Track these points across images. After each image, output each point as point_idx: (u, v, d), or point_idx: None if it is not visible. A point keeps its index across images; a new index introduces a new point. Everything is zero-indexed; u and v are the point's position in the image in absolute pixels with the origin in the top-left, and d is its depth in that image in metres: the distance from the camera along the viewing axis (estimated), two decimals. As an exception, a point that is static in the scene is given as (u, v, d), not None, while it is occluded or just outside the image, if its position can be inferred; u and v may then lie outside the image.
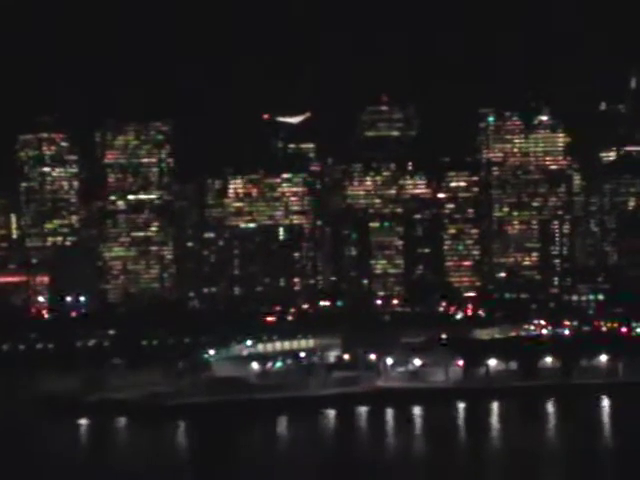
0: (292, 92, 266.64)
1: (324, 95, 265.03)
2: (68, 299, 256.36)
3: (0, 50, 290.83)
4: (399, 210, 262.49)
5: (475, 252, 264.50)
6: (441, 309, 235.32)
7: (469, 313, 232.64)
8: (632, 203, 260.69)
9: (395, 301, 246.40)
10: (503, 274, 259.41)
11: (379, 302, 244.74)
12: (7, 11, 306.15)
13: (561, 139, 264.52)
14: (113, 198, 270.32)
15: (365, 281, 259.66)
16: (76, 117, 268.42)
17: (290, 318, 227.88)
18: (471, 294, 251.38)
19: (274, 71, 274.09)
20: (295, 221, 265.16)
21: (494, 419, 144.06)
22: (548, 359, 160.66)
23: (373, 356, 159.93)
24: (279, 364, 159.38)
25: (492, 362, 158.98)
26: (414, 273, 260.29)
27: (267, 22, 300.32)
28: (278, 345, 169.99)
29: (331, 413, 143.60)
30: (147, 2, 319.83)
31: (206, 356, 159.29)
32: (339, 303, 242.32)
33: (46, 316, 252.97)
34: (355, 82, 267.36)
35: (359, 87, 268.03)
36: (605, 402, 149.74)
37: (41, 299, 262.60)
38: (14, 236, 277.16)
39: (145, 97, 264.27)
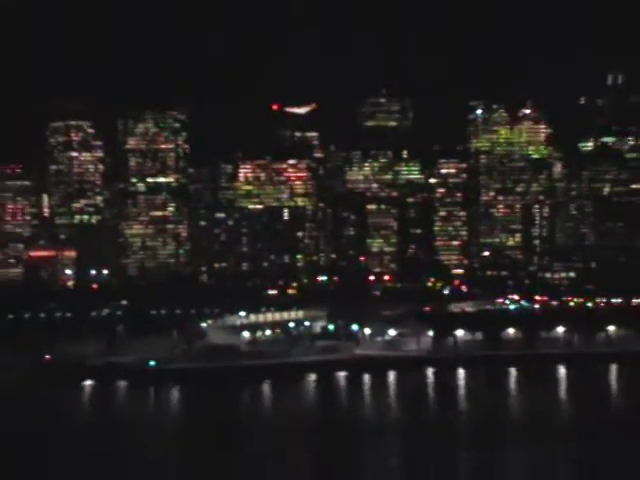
0: (299, 84, 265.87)
1: (327, 87, 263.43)
2: (92, 272, 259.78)
3: (30, 43, 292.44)
4: (394, 194, 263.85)
5: (463, 233, 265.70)
6: (429, 285, 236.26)
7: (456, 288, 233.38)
8: (607, 189, 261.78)
9: (386, 277, 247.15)
10: (488, 253, 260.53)
11: (372, 278, 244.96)
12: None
13: (543, 130, 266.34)
14: (134, 180, 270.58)
15: (362, 258, 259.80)
16: (100, 106, 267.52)
17: (291, 292, 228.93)
18: (459, 271, 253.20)
19: (282, 64, 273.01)
20: (299, 203, 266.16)
21: (459, 384, 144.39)
22: (511, 330, 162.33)
23: (355, 327, 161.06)
24: (268, 333, 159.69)
25: (460, 333, 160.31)
26: (407, 252, 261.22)
27: (271, 20, 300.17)
28: (269, 316, 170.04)
29: (313, 378, 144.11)
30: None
31: (202, 325, 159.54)
32: (335, 278, 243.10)
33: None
34: (356, 76, 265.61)
35: (359, 80, 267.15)
36: (562, 370, 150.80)
37: (68, 272, 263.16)
38: (45, 214, 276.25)
39: (162, 87, 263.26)
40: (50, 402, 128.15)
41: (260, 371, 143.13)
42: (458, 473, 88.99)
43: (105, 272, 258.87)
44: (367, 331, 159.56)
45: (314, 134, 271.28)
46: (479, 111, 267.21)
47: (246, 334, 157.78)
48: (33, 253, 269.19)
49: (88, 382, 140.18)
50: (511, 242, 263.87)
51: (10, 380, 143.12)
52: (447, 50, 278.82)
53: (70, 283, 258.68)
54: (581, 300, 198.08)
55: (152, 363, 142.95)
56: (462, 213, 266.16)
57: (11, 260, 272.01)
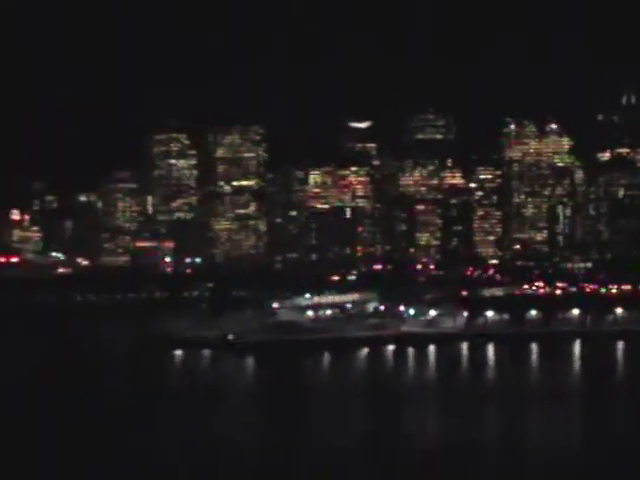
0: (360, 102, 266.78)
1: (384, 105, 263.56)
2: (187, 260, 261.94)
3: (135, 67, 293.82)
4: (439, 196, 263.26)
5: (497, 229, 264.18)
6: (468, 273, 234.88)
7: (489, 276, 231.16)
8: (621, 193, 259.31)
9: (431, 266, 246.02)
10: (518, 246, 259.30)
11: (419, 266, 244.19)
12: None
13: (566, 142, 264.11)
14: (221, 184, 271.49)
15: (411, 250, 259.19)
16: (195, 121, 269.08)
17: (351, 278, 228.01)
18: (493, 261, 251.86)
19: (347, 84, 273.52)
20: (359, 204, 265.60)
21: (488, 356, 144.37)
22: (533, 311, 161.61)
23: (402, 307, 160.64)
24: (328, 312, 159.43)
25: (489, 313, 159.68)
26: (449, 245, 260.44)
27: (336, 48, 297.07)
28: (330, 298, 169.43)
29: (365, 350, 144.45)
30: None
31: (274, 305, 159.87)
32: (388, 267, 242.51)
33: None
34: (408, 94, 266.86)
35: (411, 99, 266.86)
36: (576, 345, 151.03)
37: (167, 260, 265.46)
38: (149, 212, 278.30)
39: (245, 105, 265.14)
40: (150, 367, 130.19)
41: (321, 344, 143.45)
42: (487, 427, 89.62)
43: (197, 260, 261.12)
44: (411, 311, 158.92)
45: (372, 145, 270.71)
46: (512, 126, 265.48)
47: (310, 313, 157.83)
48: (138, 244, 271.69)
49: (178, 351, 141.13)
50: (538, 237, 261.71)
51: (119, 349, 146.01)
52: (486, 74, 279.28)
53: (168, 269, 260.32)
54: (595, 287, 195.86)
55: (231, 336, 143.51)
56: (497, 212, 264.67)
57: (120, 250, 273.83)
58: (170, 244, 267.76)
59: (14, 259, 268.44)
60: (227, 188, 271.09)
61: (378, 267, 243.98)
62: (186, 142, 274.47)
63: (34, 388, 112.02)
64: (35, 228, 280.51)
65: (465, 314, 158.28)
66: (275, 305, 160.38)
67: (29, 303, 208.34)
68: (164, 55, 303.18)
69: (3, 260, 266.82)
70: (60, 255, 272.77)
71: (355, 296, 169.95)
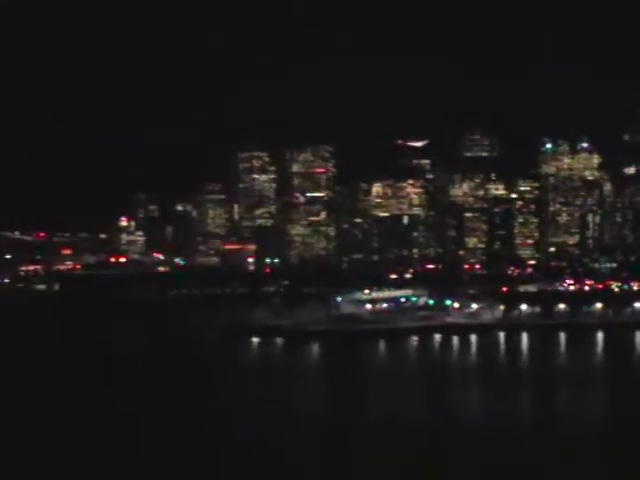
0: (417, 123, 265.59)
1: (438, 125, 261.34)
2: (267, 260, 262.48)
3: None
4: (484, 205, 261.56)
5: (535, 234, 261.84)
6: (509, 272, 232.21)
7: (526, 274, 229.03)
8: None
9: (477, 266, 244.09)
10: (553, 249, 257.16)
11: (466, 266, 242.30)
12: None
13: (596, 159, 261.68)
14: (296, 195, 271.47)
15: (460, 252, 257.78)
16: (273, 141, 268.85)
17: (407, 276, 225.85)
18: (531, 262, 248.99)
19: (406, 106, 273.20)
20: (415, 212, 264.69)
21: (523, 343, 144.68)
22: (561, 305, 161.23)
23: (448, 301, 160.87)
24: (384, 306, 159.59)
25: (523, 307, 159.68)
26: (493, 247, 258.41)
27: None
28: (386, 293, 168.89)
29: (415, 338, 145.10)
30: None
31: (338, 299, 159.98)
32: (440, 267, 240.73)
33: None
34: (458, 117, 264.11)
35: (460, 120, 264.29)
36: (599, 335, 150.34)
37: (250, 260, 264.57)
38: (235, 219, 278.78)
39: (316, 126, 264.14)
40: (231, 352, 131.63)
41: (377, 333, 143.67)
42: (523, 405, 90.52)
43: (275, 260, 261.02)
44: (456, 305, 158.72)
45: (427, 161, 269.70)
46: (548, 144, 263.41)
47: (368, 306, 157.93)
48: (226, 246, 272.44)
49: (255, 339, 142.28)
50: (571, 241, 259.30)
51: (208, 336, 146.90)
52: (525, 97, 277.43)
53: (251, 268, 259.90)
54: (619, 284, 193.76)
55: (300, 325, 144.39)
56: (534, 219, 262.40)
57: (211, 251, 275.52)
58: (253, 247, 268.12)
59: (122, 259, 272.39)
60: (301, 199, 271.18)
61: (430, 267, 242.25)
62: (266, 159, 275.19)
63: (142, 364, 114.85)
64: (140, 233, 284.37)
65: (502, 307, 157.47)
66: (339, 299, 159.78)
67: (134, 296, 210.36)
68: (240, 81, 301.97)
69: (113, 259, 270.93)
70: (160, 256, 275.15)
71: (408, 292, 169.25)
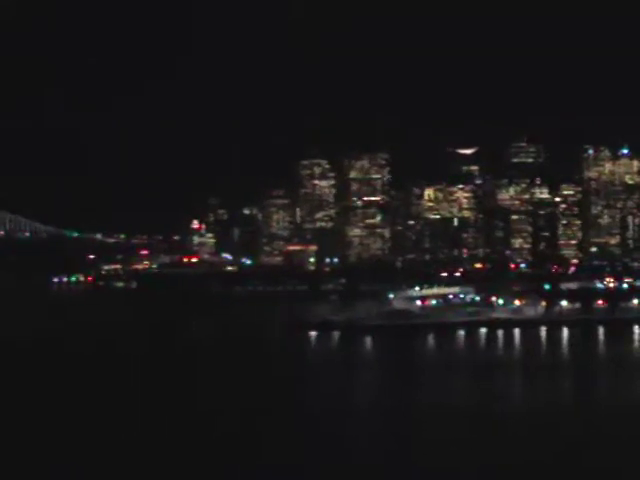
0: (467, 132, 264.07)
1: (486, 134, 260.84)
2: (327, 260, 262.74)
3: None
4: (530, 208, 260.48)
5: (578, 235, 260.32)
6: (553, 270, 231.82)
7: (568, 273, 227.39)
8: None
9: (523, 265, 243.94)
10: (595, 249, 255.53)
11: (513, 265, 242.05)
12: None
13: (635, 164, 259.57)
14: (354, 199, 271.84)
15: (507, 252, 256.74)
16: (332, 149, 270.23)
17: (457, 274, 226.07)
18: (574, 261, 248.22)
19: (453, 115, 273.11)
20: (464, 214, 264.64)
21: (563, 337, 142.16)
22: (599, 301, 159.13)
23: (493, 298, 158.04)
24: (434, 302, 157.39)
25: (564, 303, 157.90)
26: (538, 248, 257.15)
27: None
28: (435, 290, 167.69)
29: (462, 333, 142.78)
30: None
31: (390, 296, 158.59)
32: (488, 266, 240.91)
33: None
34: (505, 126, 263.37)
35: (508, 129, 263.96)
36: (635, 329, 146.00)
37: (311, 260, 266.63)
38: (298, 221, 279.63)
39: (372, 135, 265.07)
40: (291, 345, 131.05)
41: (426, 327, 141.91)
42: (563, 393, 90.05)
43: (334, 260, 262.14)
44: (500, 301, 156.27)
45: (476, 167, 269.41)
46: (590, 151, 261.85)
47: (418, 302, 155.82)
48: (289, 247, 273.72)
49: (313, 333, 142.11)
50: (612, 241, 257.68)
51: (271, 329, 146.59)
52: (569, 106, 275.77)
53: (312, 267, 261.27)
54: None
55: (355, 320, 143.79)
56: (577, 221, 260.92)
57: (275, 251, 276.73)
58: (313, 247, 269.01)
59: (194, 259, 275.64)
60: (359, 203, 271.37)
61: (479, 266, 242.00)
62: (326, 166, 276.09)
63: (211, 355, 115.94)
64: (210, 235, 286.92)
65: (544, 303, 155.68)
66: (391, 296, 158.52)
67: (205, 292, 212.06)
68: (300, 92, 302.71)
69: (186, 259, 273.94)
70: (229, 256, 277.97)
71: (456, 289, 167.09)
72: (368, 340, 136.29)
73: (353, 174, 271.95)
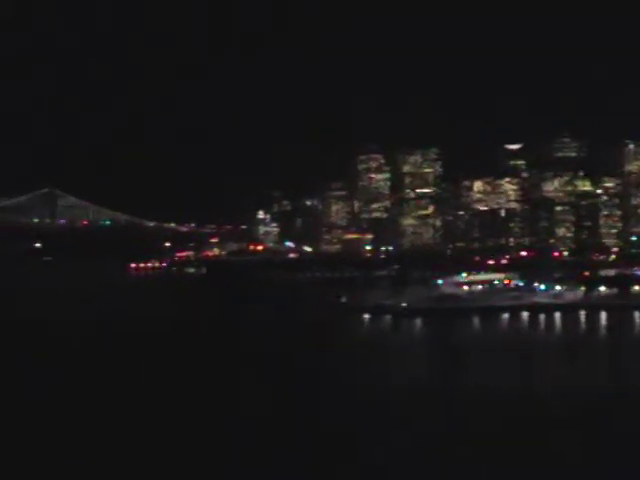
0: (515, 129, 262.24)
1: (532, 130, 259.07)
2: (382, 248, 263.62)
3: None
4: (573, 199, 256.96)
5: (619, 224, 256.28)
6: (594, 258, 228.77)
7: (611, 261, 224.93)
8: None
9: (565, 253, 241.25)
10: (634, 238, 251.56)
11: (556, 254, 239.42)
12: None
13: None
14: (407, 191, 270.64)
15: (551, 241, 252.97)
16: (389, 145, 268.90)
17: (504, 262, 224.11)
18: (615, 249, 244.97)
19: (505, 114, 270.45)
20: (511, 206, 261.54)
21: (601, 320, 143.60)
22: (637, 287, 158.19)
23: (536, 284, 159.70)
24: (479, 287, 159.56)
25: (602, 288, 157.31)
26: (581, 237, 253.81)
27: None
28: (481, 276, 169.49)
29: (506, 316, 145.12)
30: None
31: (439, 281, 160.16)
32: (533, 254, 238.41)
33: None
34: (551, 122, 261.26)
35: (553, 125, 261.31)
36: None
37: (367, 247, 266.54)
38: (355, 212, 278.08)
39: (425, 130, 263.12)
40: (347, 326, 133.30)
41: (473, 311, 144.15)
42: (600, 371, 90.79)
43: (389, 248, 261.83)
44: (542, 287, 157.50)
45: (522, 162, 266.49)
46: (630, 145, 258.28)
47: (465, 287, 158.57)
48: (347, 236, 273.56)
49: (366, 316, 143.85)
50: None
51: (330, 313, 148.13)
52: (610, 102, 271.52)
53: (368, 255, 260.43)
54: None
55: (405, 304, 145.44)
56: (618, 212, 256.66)
57: (334, 240, 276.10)
58: (370, 236, 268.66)
59: (259, 247, 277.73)
60: (412, 195, 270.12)
61: (524, 254, 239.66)
62: (382, 161, 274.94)
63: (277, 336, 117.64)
64: (274, 224, 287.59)
65: (583, 289, 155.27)
66: (440, 281, 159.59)
67: (269, 278, 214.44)
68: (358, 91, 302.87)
69: (252, 247, 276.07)
70: (291, 244, 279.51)
71: (501, 275, 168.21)
72: (418, 322, 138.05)
73: (406, 168, 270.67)
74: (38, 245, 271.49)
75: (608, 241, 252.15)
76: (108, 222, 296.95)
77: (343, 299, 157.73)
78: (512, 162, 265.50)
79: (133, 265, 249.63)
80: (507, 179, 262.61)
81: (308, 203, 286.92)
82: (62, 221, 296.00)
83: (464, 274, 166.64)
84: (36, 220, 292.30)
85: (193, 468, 51.89)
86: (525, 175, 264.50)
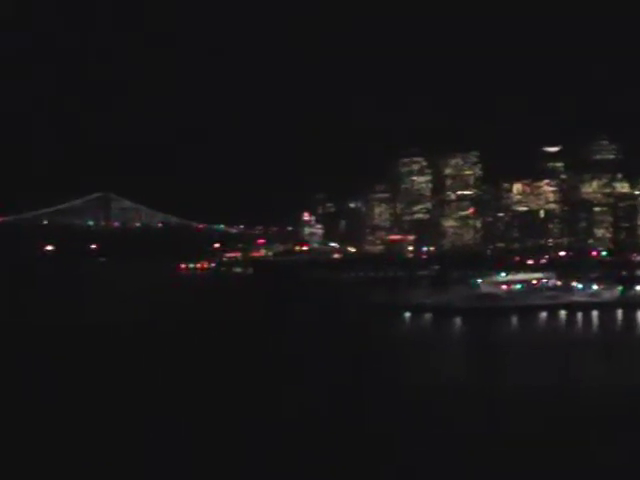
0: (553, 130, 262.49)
1: (569, 134, 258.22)
2: (424, 249, 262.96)
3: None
4: (611, 200, 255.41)
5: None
6: (632, 258, 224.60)
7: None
8: None
9: (604, 253, 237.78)
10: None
11: (594, 253, 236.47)
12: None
13: None
14: (448, 193, 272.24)
15: (590, 241, 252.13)
16: (430, 148, 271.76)
17: (543, 262, 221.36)
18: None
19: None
20: (550, 207, 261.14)
21: (638, 318, 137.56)
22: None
23: (573, 283, 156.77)
24: (518, 286, 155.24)
25: (638, 287, 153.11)
26: (619, 236, 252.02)
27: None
28: (520, 276, 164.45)
29: (544, 314, 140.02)
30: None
31: (478, 280, 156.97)
32: (571, 254, 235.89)
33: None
34: (588, 127, 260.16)
35: (590, 129, 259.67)
36: None
37: (409, 248, 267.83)
38: (398, 213, 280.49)
39: (463, 134, 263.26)
40: (388, 324, 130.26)
41: (511, 309, 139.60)
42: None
43: (431, 249, 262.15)
44: (579, 286, 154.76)
45: (560, 164, 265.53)
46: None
47: (504, 287, 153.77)
48: (390, 237, 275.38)
49: (407, 314, 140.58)
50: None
51: (371, 311, 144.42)
52: None
53: (410, 255, 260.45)
54: None
55: (446, 303, 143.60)
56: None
57: (377, 241, 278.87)
58: (412, 237, 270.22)
59: (305, 247, 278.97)
60: (453, 197, 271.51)
61: (563, 254, 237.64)
62: (423, 164, 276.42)
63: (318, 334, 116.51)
64: (319, 226, 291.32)
65: (620, 288, 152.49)
66: (479, 281, 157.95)
67: (314, 277, 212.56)
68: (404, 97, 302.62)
69: (298, 248, 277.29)
70: (336, 245, 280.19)
71: (539, 274, 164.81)
72: (457, 321, 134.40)
73: (447, 171, 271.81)
74: (93, 246, 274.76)
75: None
76: (160, 225, 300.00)
77: (385, 298, 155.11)
78: (551, 164, 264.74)
79: (183, 265, 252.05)
80: (546, 181, 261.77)
81: (352, 205, 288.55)
82: (116, 223, 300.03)
83: (503, 274, 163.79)
84: (91, 223, 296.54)
85: (237, 464, 51.96)
86: (564, 177, 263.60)
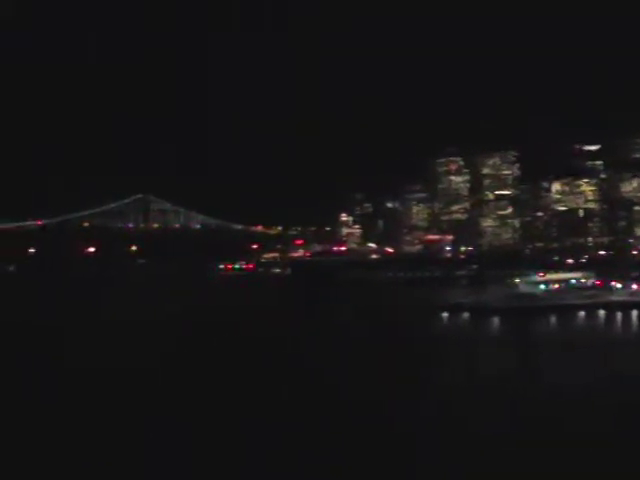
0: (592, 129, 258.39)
1: (610, 132, 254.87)
2: (462, 248, 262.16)
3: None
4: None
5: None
6: None
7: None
8: None
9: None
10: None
11: (635, 252, 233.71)
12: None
13: None
14: (487, 193, 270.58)
15: (630, 240, 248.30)
16: (468, 148, 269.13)
17: (582, 261, 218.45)
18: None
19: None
20: (590, 206, 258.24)
21: None
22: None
23: (613, 283, 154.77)
24: (556, 286, 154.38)
25: None
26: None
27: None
28: (558, 275, 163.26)
29: (582, 314, 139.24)
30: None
31: (515, 280, 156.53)
32: (611, 253, 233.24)
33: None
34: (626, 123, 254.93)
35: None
36: None
37: (447, 248, 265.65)
38: (435, 213, 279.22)
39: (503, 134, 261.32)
40: (426, 324, 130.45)
41: (549, 309, 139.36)
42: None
43: (469, 248, 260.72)
44: (619, 285, 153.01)
45: (600, 162, 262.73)
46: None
47: (542, 286, 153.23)
48: (428, 237, 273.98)
49: (445, 314, 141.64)
50: None
51: (410, 313, 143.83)
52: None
53: (448, 255, 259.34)
54: None
55: (483, 303, 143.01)
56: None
57: (415, 241, 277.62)
58: (450, 237, 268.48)
59: (342, 248, 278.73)
60: (491, 196, 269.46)
61: (602, 253, 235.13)
62: (461, 163, 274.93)
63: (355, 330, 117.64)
64: (357, 226, 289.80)
65: None
66: (517, 280, 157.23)
67: (352, 278, 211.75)
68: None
69: (335, 248, 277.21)
70: (374, 245, 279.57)
71: (578, 274, 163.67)
72: (495, 321, 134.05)
73: (485, 170, 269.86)
74: (133, 248, 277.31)
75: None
76: (198, 226, 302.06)
77: (423, 298, 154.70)
78: (590, 163, 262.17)
79: (222, 266, 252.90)
80: (585, 180, 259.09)
81: (389, 205, 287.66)
82: (155, 225, 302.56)
83: (541, 273, 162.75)
84: (131, 224, 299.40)
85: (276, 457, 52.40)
86: (603, 176, 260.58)
